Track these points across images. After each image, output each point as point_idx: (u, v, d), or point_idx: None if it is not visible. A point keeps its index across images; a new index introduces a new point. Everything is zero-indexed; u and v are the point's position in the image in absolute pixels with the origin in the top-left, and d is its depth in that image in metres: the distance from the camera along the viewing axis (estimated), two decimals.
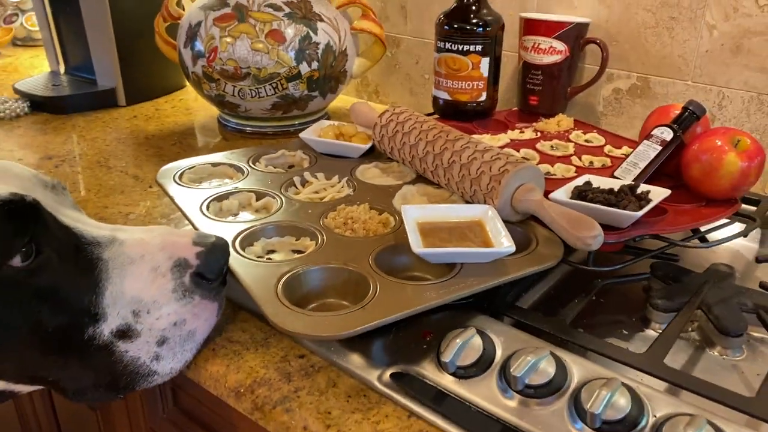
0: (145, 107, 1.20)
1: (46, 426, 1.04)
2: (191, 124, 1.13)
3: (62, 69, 1.28)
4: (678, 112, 0.73)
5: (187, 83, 1.33)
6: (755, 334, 0.60)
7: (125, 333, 0.50)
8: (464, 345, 0.51)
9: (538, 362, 0.49)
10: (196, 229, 0.64)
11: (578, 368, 0.50)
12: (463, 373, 0.51)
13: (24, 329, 0.47)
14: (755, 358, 0.58)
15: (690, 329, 0.62)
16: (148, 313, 0.51)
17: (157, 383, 0.53)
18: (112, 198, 0.83)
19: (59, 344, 0.49)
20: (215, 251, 0.53)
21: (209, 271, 0.53)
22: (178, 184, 0.73)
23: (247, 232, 0.63)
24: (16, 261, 0.46)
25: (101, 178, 0.90)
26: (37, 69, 1.45)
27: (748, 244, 0.75)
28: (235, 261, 0.58)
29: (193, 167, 0.77)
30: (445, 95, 0.93)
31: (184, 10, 1.06)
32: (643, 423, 0.45)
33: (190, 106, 1.23)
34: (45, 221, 0.49)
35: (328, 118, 1.11)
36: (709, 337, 0.60)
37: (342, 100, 1.22)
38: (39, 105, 1.16)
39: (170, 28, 1.09)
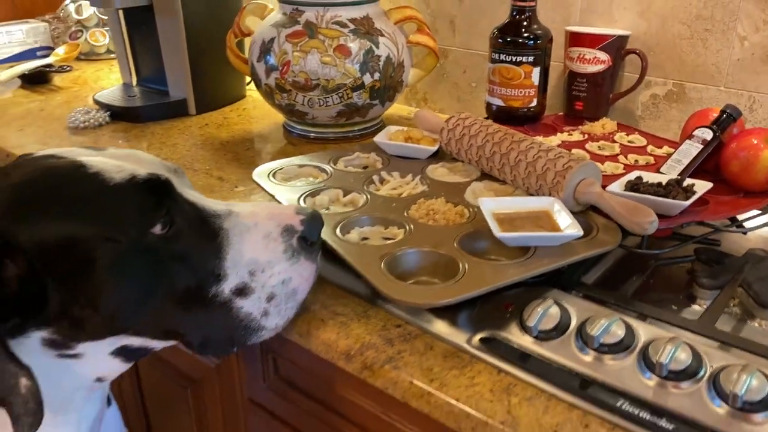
0: (213, 116, 1.31)
1: (131, 404, 1.14)
2: (258, 130, 1.24)
3: (134, 81, 1.39)
4: (716, 115, 0.82)
5: (247, 93, 1.44)
6: None
7: (242, 291, 0.59)
8: (545, 313, 0.61)
9: (610, 325, 0.58)
10: None
11: (643, 331, 0.59)
12: (545, 336, 0.60)
13: (163, 289, 0.56)
14: None
15: (732, 305, 0.70)
16: (263, 272, 0.60)
17: (264, 338, 0.62)
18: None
19: (189, 302, 0.58)
20: (315, 218, 0.63)
21: (311, 234, 0.62)
22: (273, 182, 0.83)
23: (345, 221, 0.73)
24: (157, 229, 0.55)
25: (190, 180, 1.00)
26: (102, 81, 1.57)
27: None
28: (340, 245, 0.68)
29: (282, 168, 0.87)
30: (499, 102, 1.02)
31: None
32: (702, 372, 0.54)
33: (253, 114, 1.33)
34: (176, 197, 0.59)
35: (383, 124, 1.21)
36: (750, 311, 0.69)
37: (393, 107, 1.32)
38: (117, 115, 1.27)
39: (238, 43, 1.20)
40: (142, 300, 0.56)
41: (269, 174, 0.85)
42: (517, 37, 0.98)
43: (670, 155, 0.84)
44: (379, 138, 0.93)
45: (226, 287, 0.58)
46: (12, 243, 0.51)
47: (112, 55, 1.75)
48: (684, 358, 0.55)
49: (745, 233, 0.79)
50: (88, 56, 1.73)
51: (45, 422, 0.58)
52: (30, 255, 0.51)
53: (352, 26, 1.07)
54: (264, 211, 0.62)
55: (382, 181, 0.85)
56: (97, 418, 0.67)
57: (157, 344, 0.60)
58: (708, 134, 0.80)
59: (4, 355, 0.49)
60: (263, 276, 0.59)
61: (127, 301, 0.55)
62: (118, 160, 0.59)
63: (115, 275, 0.53)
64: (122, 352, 0.59)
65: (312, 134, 1.17)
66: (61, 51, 1.62)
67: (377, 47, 1.07)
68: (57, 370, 0.57)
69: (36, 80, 1.52)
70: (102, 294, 0.53)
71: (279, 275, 0.60)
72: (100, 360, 0.58)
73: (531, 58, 0.98)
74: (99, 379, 0.61)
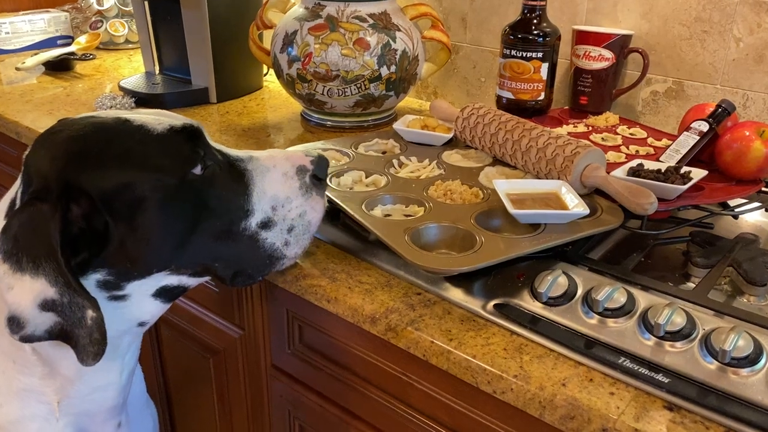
0: (234, 104, 1.37)
1: (151, 375, 1.19)
2: (277, 119, 1.30)
3: (157, 69, 1.45)
4: (712, 109, 0.89)
5: (264, 84, 1.50)
6: None
7: (266, 224, 0.67)
8: (554, 281, 0.67)
9: (613, 292, 0.64)
10: (327, 196, 0.80)
11: (643, 298, 0.65)
12: (553, 302, 0.67)
13: (202, 224, 0.64)
14: None
15: (723, 282, 0.77)
16: (283, 207, 0.68)
17: (285, 266, 0.71)
18: None
19: (223, 236, 0.66)
20: (322, 159, 0.72)
21: (321, 172, 0.71)
22: None
23: (369, 199, 0.79)
24: (197, 170, 0.63)
25: None
26: (122, 69, 1.62)
27: None
28: (367, 219, 0.74)
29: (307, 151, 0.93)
30: (509, 95, 1.09)
31: None
32: (695, 333, 0.61)
33: (270, 103, 1.39)
34: (207, 142, 0.67)
35: (396, 115, 1.27)
36: (739, 288, 0.75)
37: (404, 100, 1.38)
38: (142, 101, 1.32)
39: (259, 35, 1.26)
40: (186, 232, 0.63)
41: None
42: (528, 34, 1.04)
43: (668, 146, 0.90)
44: (398, 125, 0.99)
45: (253, 221, 0.67)
46: (75, 188, 0.58)
47: (131, 45, 1.81)
48: (679, 321, 0.61)
49: (736, 218, 0.86)
50: (107, 46, 1.79)
51: (96, 366, 0.64)
52: (93, 198, 0.58)
53: (371, 21, 1.13)
54: (279, 154, 0.71)
55: (400, 164, 0.91)
56: (132, 370, 0.73)
57: (192, 282, 0.68)
58: (704, 126, 0.86)
59: (75, 287, 0.55)
60: (283, 210, 0.68)
61: (174, 234, 0.63)
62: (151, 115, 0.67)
63: (164, 211, 0.61)
64: (162, 293, 0.66)
65: (329, 123, 1.23)
66: (82, 40, 1.68)
67: (394, 41, 1.14)
68: (107, 313, 0.62)
69: (59, 67, 1.57)
70: (154, 228, 0.61)
71: (296, 209, 0.69)
72: (143, 301, 0.65)
73: (540, 54, 1.04)
74: (141, 324, 0.68)
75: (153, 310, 0.67)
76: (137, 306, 0.65)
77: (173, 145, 0.63)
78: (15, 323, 0.55)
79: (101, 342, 0.56)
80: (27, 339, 0.55)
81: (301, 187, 0.69)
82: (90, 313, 0.56)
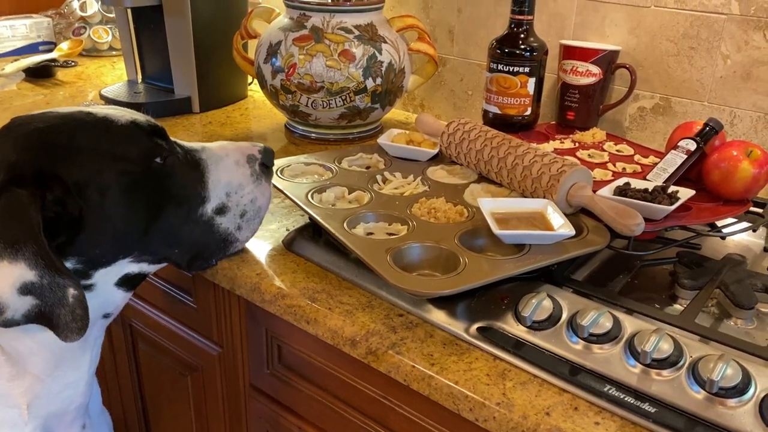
0: (217, 114, 1.34)
1: (127, 391, 1.17)
2: (260, 130, 1.28)
3: (139, 78, 1.42)
4: (699, 127, 0.88)
5: (249, 94, 1.48)
6: (763, 309, 0.74)
7: (221, 210, 0.71)
8: (538, 305, 0.65)
9: (599, 317, 0.63)
10: (308, 213, 0.78)
11: (629, 323, 0.64)
12: (538, 326, 0.65)
13: (165, 210, 0.67)
14: (764, 327, 0.71)
15: (710, 305, 0.75)
16: (236, 193, 0.72)
17: (237, 249, 0.75)
18: None
19: (183, 222, 0.69)
20: (268, 150, 0.77)
21: (268, 161, 0.76)
22: (280, 177, 0.87)
23: (351, 217, 0.77)
24: (158, 160, 0.66)
25: None
26: (104, 77, 1.60)
27: (756, 240, 0.89)
28: (348, 238, 0.72)
29: (289, 165, 0.91)
30: (495, 109, 1.07)
31: None
32: (682, 361, 0.59)
33: (254, 114, 1.37)
34: (168, 136, 0.70)
35: (382, 128, 1.26)
36: (726, 311, 0.74)
37: (391, 112, 1.36)
38: None
39: (243, 45, 1.24)
40: (150, 217, 0.66)
41: (277, 170, 0.88)
42: (515, 48, 1.03)
43: (655, 164, 0.89)
44: (382, 140, 0.98)
45: (209, 207, 0.71)
46: (49, 175, 0.59)
47: (114, 52, 1.78)
48: (666, 348, 0.59)
49: (723, 238, 0.84)
50: (90, 53, 1.76)
51: (67, 360, 0.67)
52: (67, 185, 0.60)
53: (356, 32, 1.11)
54: (230, 145, 0.75)
55: (384, 180, 0.89)
56: (96, 366, 0.73)
57: (152, 268, 0.70)
58: (692, 145, 0.85)
59: (58, 266, 0.56)
60: (236, 196, 0.72)
61: (139, 219, 0.65)
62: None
63: (131, 196, 0.64)
64: (124, 282, 0.68)
65: (313, 135, 1.21)
66: (64, 46, 1.65)
67: (380, 53, 1.12)
68: None
69: (40, 74, 1.54)
70: (121, 213, 0.63)
71: (248, 195, 0.73)
72: (107, 291, 0.67)
73: (527, 69, 1.03)
74: (105, 316, 0.69)
75: (116, 300, 0.69)
76: (102, 296, 0.67)
77: (137, 135, 0.66)
78: None
79: (84, 317, 0.57)
80: (7, 324, 0.56)
81: (252, 174, 0.73)
82: (71, 291, 0.57)
